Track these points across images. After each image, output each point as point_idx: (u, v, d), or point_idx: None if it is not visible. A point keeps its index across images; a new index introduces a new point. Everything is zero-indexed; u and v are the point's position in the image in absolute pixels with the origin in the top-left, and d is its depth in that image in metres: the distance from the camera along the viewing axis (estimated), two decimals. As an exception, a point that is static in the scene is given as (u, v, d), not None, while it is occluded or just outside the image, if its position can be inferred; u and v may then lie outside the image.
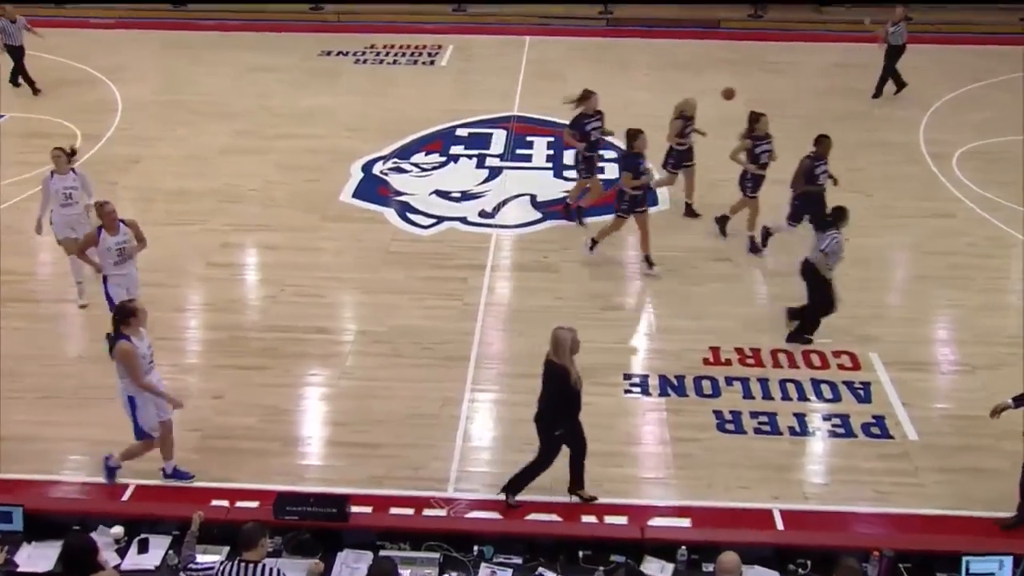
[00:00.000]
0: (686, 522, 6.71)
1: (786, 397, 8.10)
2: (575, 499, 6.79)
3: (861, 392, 8.16)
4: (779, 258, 10.50)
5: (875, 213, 11.27)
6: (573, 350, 6.36)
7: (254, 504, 6.69)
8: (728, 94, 11.59)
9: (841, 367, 8.51)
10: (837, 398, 8.09)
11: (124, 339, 6.47)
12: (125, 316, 6.51)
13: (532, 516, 6.74)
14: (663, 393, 8.12)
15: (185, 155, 12.81)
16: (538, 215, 11.41)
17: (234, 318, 9.21)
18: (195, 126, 13.77)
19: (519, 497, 6.74)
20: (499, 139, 13.57)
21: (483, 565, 5.74)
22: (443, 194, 11.90)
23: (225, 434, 7.51)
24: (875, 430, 7.71)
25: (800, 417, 7.85)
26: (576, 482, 6.80)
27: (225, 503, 6.67)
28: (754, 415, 7.84)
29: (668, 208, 11.57)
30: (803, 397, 8.11)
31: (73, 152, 9.19)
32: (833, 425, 7.78)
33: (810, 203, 9.89)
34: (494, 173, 12.50)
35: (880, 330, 9.04)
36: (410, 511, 6.71)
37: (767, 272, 10.33)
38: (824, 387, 8.23)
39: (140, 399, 6.63)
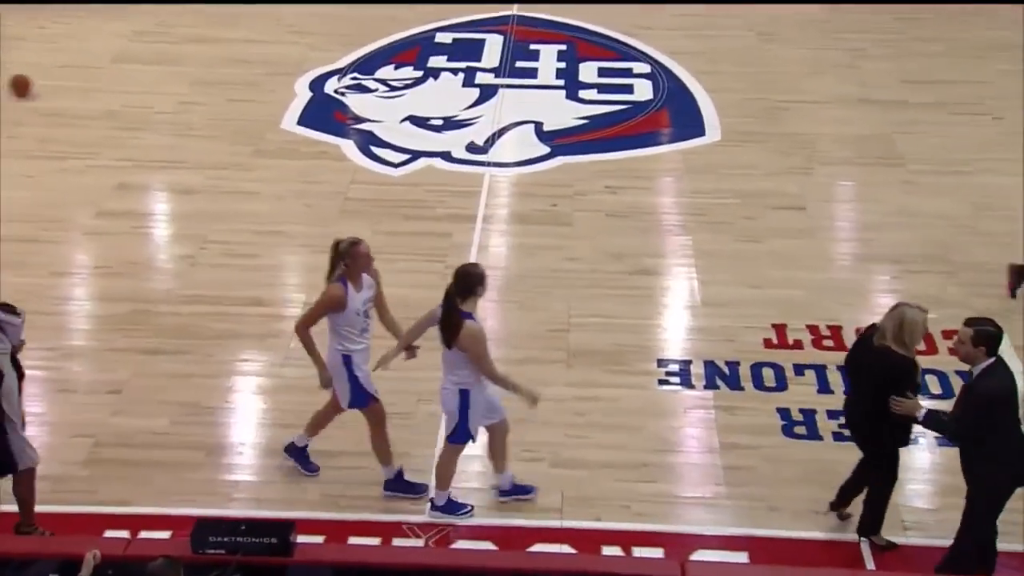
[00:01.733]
0: (742, 556, 6.68)
1: (876, 391, 8.03)
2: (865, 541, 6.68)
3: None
4: (867, 206, 10.43)
5: (1005, 143, 11.18)
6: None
7: (164, 534, 6.61)
8: (18, 86, 11.28)
9: (954, 352, 8.36)
10: (947, 393, 8.00)
11: (469, 317, 6.45)
12: (472, 286, 6.48)
13: (537, 547, 6.70)
14: (710, 385, 8.08)
15: (62, 63, 12.66)
16: (545, 149, 11.34)
17: (137, 286, 9.13)
18: (76, 23, 13.61)
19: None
20: (493, 47, 13.43)
21: (472, 613, 5.69)
22: (419, 121, 11.80)
23: (125, 441, 7.44)
24: (999, 436, 7.63)
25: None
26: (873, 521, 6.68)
27: (125, 534, 6.59)
28: (833, 415, 7.76)
29: (718, 139, 11.48)
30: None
31: None
32: (941, 429, 7.70)
33: None
34: (487, 93, 12.39)
35: (1008, 301, 8.93)
36: (376, 541, 6.68)
37: (853, 223, 10.24)
38: (930, 378, 8.13)
39: (475, 394, 6.62)
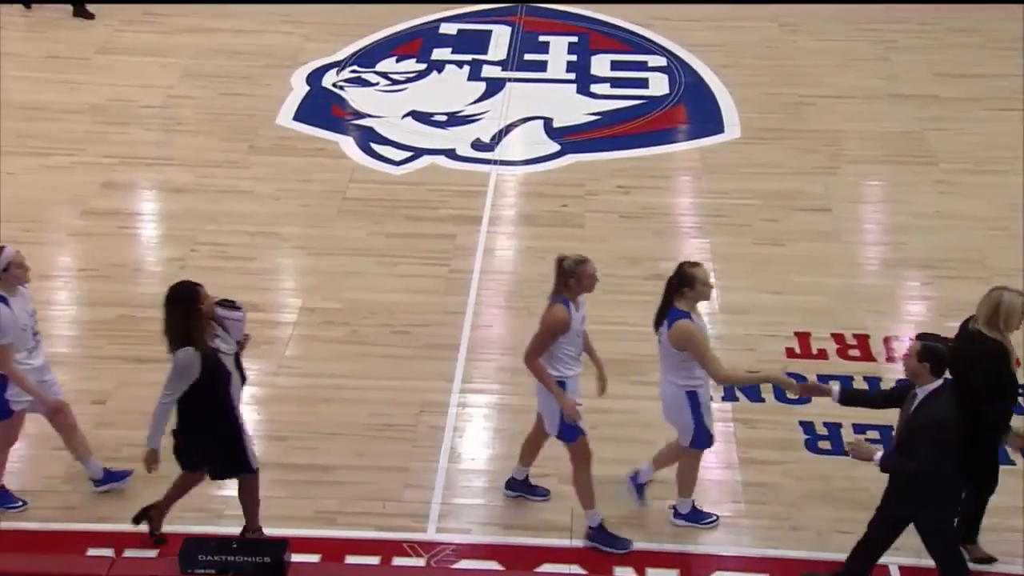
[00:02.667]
0: (763, 580, 6.71)
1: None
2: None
3: (1022, 398, 8.05)
4: (897, 207, 10.42)
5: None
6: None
7: (151, 553, 6.66)
8: None
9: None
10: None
11: (684, 316, 6.49)
12: (682, 285, 6.53)
13: (546, 567, 6.71)
14: (729, 397, 8.09)
15: (44, 53, 12.70)
16: (555, 147, 11.36)
17: (123, 290, 9.15)
18: (60, 11, 13.62)
19: None
20: (501, 39, 13.45)
21: (477, 637, 5.71)
22: (422, 117, 11.84)
23: (110, 454, 7.43)
24: (1041, 453, 7.62)
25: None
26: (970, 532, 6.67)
27: (109, 552, 6.60)
28: (860, 429, 7.76)
29: (738, 136, 11.49)
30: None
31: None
32: (974, 444, 7.69)
33: None
34: (494, 87, 12.43)
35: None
36: (375, 560, 6.69)
37: (882, 226, 10.23)
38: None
39: (703, 393, 6.63)
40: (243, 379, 6.48)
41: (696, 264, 6.59)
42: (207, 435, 6.41)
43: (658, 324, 6.64)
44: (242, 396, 6.50)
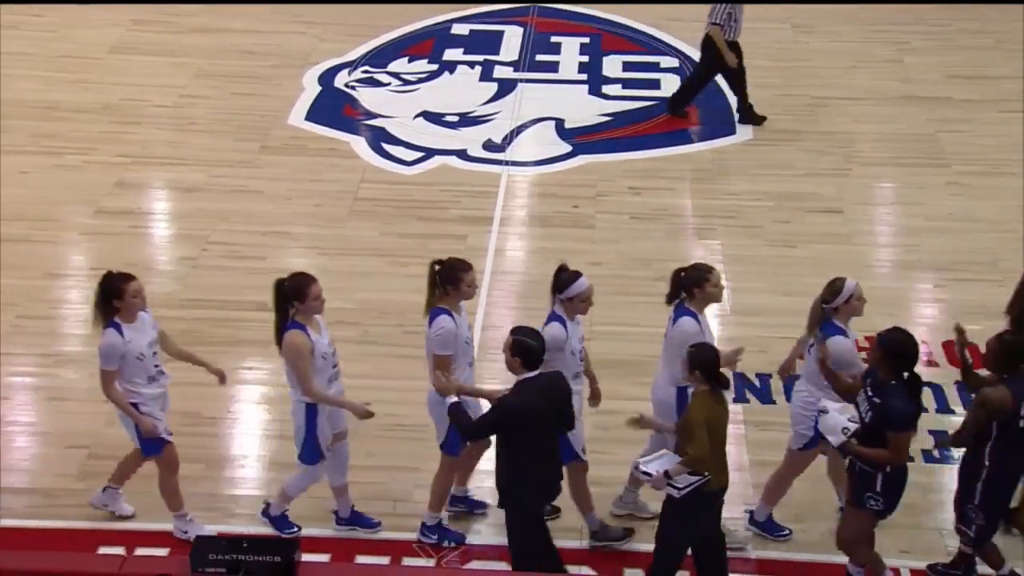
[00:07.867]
0: (775, 582, 6.69)
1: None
2: None
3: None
4: (909, 209, 10.40)
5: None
6: None
7: (162, 551, 6.68)
8: None
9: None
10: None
11: None
12: None
13: (556, 570, 6.70)
14: (740, 399, 8.08)
15: (57, 53, 12.77)
16: (566, 147, 11.37)
17: (136, 288, 9.19)
18: (71, 11, 13.71)
19: None
20: (513, 39, 13.45)
21: (487, 638, 5.71)
22: (434, 117, 11.86)
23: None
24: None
25: (941, 436, 7.72)
26: None
27: (120, 551, 6.64)
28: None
29: (750, 138, 11.46)
30: (945, 407, 8.04)
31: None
32: (989, 448, 7.66)
33: None
34: (506, 88, 12.43)
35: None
36: (384, 560, 6.72)
37: (894, 228, 10.19)
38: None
39: None
40: None
41: None
42: None
43: None
44: None
